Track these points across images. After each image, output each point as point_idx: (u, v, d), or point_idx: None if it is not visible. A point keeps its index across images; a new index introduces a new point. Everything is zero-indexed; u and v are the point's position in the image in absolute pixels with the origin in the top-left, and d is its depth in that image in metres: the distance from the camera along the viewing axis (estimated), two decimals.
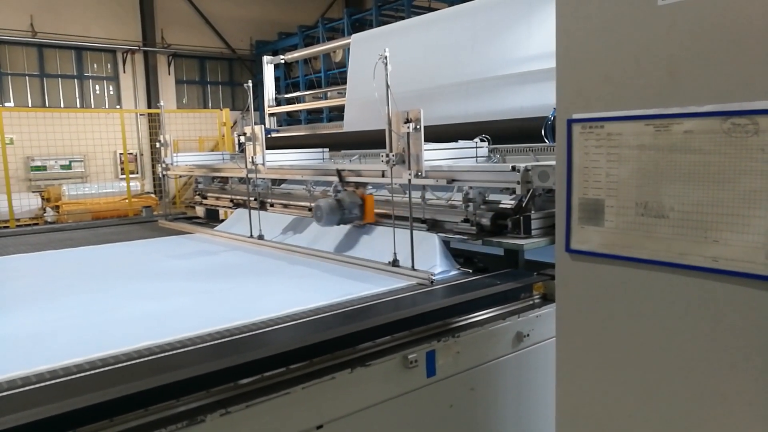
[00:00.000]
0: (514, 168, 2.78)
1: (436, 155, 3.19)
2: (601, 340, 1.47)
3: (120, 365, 1.79)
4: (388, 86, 2.92)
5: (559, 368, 1.59)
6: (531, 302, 2.53)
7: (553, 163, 2.80)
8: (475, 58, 4.07)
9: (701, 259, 1.24)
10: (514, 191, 3.13)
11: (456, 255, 3.51)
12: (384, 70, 2.93)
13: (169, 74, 20.26)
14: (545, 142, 3.49)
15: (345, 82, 5.67)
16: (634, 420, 1.43)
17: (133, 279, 3.18)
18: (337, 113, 15.46)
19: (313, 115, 17.17)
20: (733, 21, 1.17)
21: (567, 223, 1.46)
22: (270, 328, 2.15)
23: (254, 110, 5.55)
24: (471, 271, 3.22)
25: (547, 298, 2.56)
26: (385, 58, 2.94)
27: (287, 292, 2.81)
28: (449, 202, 3.54)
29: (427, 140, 2.92)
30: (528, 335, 2.36)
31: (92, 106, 18.34)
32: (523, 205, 3.20)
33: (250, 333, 2.08)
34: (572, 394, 1.56)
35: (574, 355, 1.54)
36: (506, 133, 3.60)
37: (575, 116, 1.43)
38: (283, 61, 6.89)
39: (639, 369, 1.42)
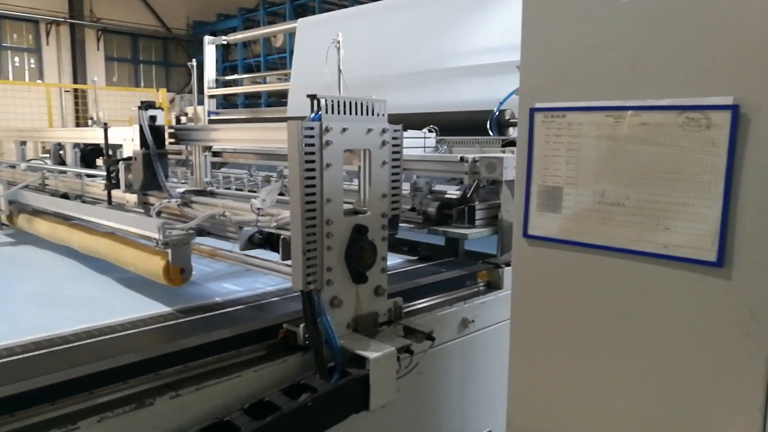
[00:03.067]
0: (462, 159, 2.82)
1: None
2: (556, 324, 1.52)
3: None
4: (340, 71, 2.91)
5: (513, 351, 1.64)
6: (476, 290, 2.58)
7: (501, 155, 2.89)
8: (426, 48, 4.10)
9: (653, 245, 1.31)
10: (461, 181, 3.18)
11: (401, 243, 3.55)
12: (336, 54, 2.91)
13: (98, 50, 19.29)
14: (490, 135, 3.57)
15: (285, 68, 5.57)
16: (588, 403, 1.50)
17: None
18: (276, 99, 15.22)
19: (251, 100, 16.82)
20: (690, 18, 1.24)
21: (525, 209, 1.50)
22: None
23: (190, 92, 5.37)
24: (416, 258, 3.26)
25: (491, 286, 2.62)
26: (338, 42, 2.91)
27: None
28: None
29: None
30: (473, 321, 2.41)
31: (10, 79, 17.19)
32: (468, 195, 3.27)
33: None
34: (525, 377, 1.61)
35: (528, 338, 1.59)
36: (453, 125, 3.66)
37: (538, 105, 1.47)
38: (224, 43, 6.69)
39: (593, 351, 1.48)
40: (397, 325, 2.08)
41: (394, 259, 3.17)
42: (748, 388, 1.25)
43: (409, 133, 3.40)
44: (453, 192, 3.39)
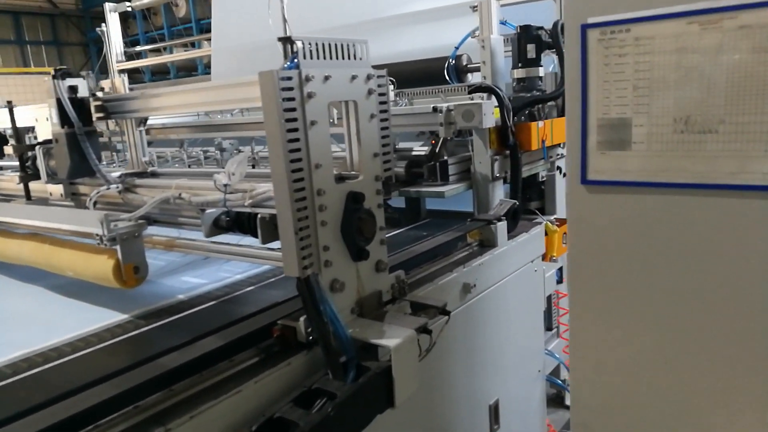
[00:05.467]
0: (435, 109, 2.54)
1: None
2: (624, 283, 1.30)
3: None
4: (285, 21, 2.53)
5: (573, 315, 1.41)
6: (470, 251, 2.35)
7: (478, 101, 2.64)
8: None
9: (760, 176, 1.10)
10: (430, 136, 2.92)
11: None
12: (280, 3, 2.52)
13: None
14: (450, 83, 3.30)
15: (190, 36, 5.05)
16: (655, 364, 1.30)
17: None
18: (186, 72, 14.24)
19: (158, 76, 15.71)
20: None
21: (582, 150, 1.25)
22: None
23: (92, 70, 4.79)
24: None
25: (485, 245, 2.40)
26: None
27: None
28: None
29: None
30: (474, 285, 2.18)
31: None
32: (437, 151, 3.01)
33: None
34: (587, 344, 1.39)
35: (591, 299, 1.36)
36: (409, 76, 3.36)
37: (591, 20, 1.20)
38: (128, 9, 6.01)
39: (674, 312, 1.27)
40: (403, 302, 1.81)
41: None
42: None
43: None
44: (419, 149, 3.12)
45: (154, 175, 2.34)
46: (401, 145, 3.13)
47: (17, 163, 2.32)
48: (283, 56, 1.50)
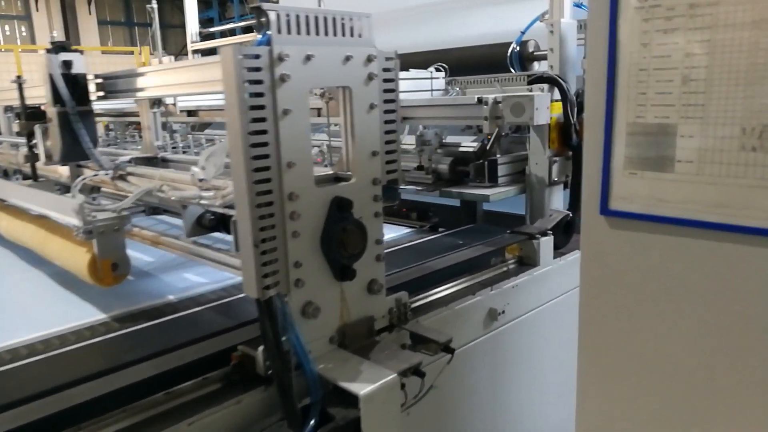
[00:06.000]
0: (480, 100, 2.20)
1: None
2: (650, 348, 0.95)
3: None
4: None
5: (581, 374, 1.07)
6: (505, 269, 2.00)
7: (530, 93, 2.27)
8: None
9: None
10: (478, 130, 2.58)
11: (409, 209, 2.98)
12: None
13: (90, 14, 18.58)
14: (511, 72, 2.92)
15: None
16: None
17: None
18: None
19: None
20: None
21: (604, 167, 0.90)
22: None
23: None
24: (426, 227, 2.68)
25: (524, 263, 2.04)
26: None
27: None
28: (401, 145, 2.96)
29: None
30: (503, 312, 1.84)
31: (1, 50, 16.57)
32: (488, 147, 2.66)
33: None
34: (596, 413, 1.05)
35: (604, 358, 1.02)
36: (466, 63, 3.01)
37: None
38: None
39: (706, 382, 0.91)
40: (402, 331, 1.52)
41: (396, 231, 2.59)
42: None
43: (412, 73, 2.77)
44: (469, 144, 2.78)
45: (164, 161, 2.17)
46: (449, 139, 2.81)
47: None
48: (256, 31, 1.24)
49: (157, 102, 2.20)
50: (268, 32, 1.20)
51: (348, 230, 1.33)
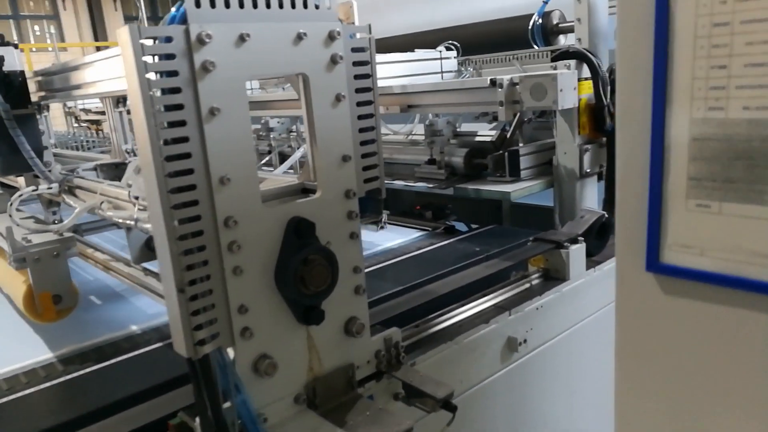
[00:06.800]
0: (494, 82, 1.85)
1: (383, 72, 2.25)
2: None
3: None
4: None
5: None
6: (527, 285, 1.67)
7: (553, 71, 1.91)
8: None
9: None
10: (494, 118, 2.24)
11: (423, 205, 2.66)
12: None
13: (116, 10, 18.69)
14: (533, 47, 2.55)
15: None
16: None
17: None
18: None
19: None
20: None
21: (652, 194, 0.56)
22: None
23: None
24: (440, 228, 2.36)
25: (550, 276, 1.70)
26: None
27: None
28: (409, 137, 2.64)
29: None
30: (524, 342, 1.52)
31: (33, 51, 16.78)
32: (508, 136, 2.32)
33: None
34: None
35: None
36: (480, 40, 2.66)
37: None
38: None
39: None
40: (393, 379, 1.21)
41: (404, 235, 2.28)
42: None
43: (418, 53, 2.43)
44: (486, 133, 2.45)
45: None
46: (463, 127, 2.48)
47: None
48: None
49: (122, 100, 1.92)
50: (182, 6, 0.89)
51: (310, 261, 1.03)
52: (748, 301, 0.54)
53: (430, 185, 2.34)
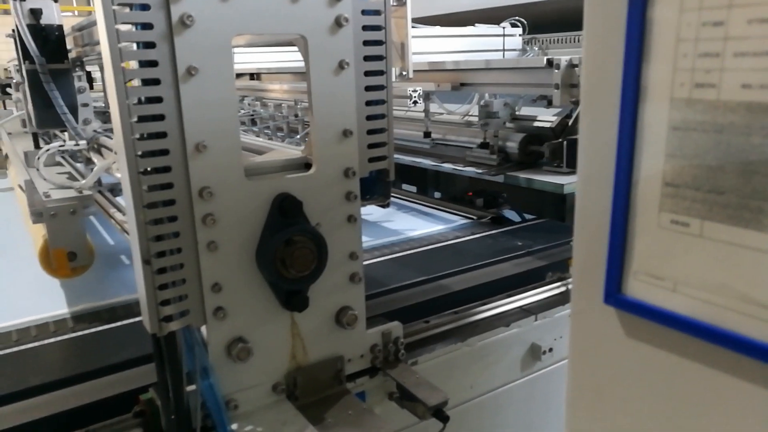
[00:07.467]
0: (550, 63, 1.68)
1: (436, 46, 2.11)
2: None
3: None
4: None
5: None
6: (563, 288, 1.51)
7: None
8: None
9: None
10: (549, 102, 2.05)
11: (475, 192, 2.50)
12: None
13: None
14: None
15: None
16: None
17: None
18: None
19: None
20: None
21: (616, 204, 0.42)
22: None
23: None
24: (487, 217, 2.21)
25: None
26: None
27: None
28: (465, 118, 2.49)
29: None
30: (550, 350, 1.37)
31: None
32: (570, 123, 2.13)
33: None
34: None
35: None
36: (551, 17, 2.45)
37: None
38: None
39: None
40: (387, 378, 1.11)
41: (445, 222, 2.14)
42: None
43: (479, 28, 2.26)
44: (546, 119, 2.26)
45: None
46: (523, 111, 2.30)
47: None
48: None
49: None
50: None
51: (293, 242, 0.94)
52: (732, 364, 0.38)
53: (480, 171, 2.19)
